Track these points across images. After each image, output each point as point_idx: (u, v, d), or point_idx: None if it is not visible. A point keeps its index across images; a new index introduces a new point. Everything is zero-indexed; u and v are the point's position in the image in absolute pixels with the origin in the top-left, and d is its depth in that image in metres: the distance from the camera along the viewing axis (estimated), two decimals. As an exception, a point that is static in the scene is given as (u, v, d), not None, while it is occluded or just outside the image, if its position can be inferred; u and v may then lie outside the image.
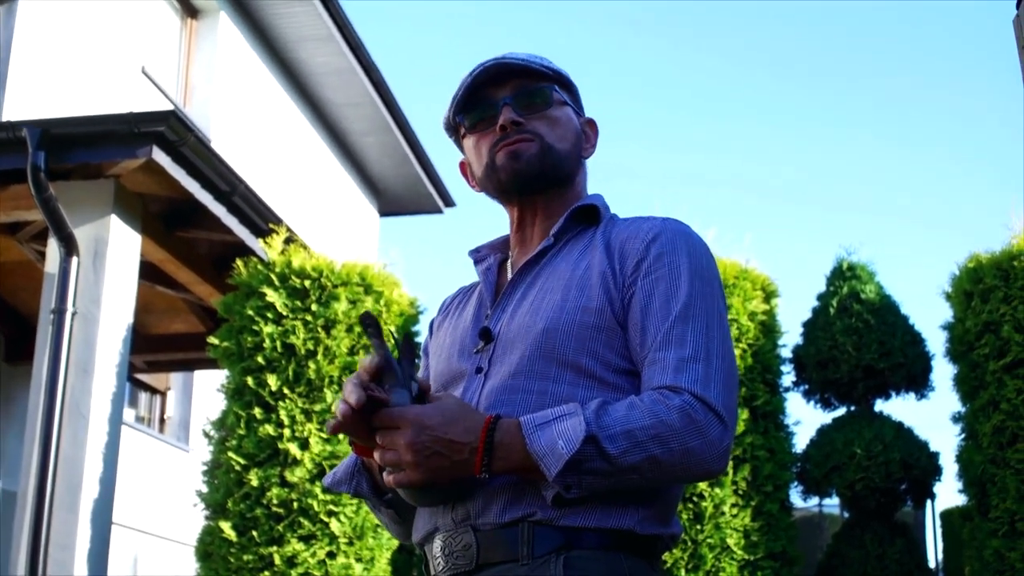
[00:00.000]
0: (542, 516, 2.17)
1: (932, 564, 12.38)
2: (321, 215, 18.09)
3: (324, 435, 8.77)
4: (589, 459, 2.09)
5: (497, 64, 2.51)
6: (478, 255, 2.68)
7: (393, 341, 2.25)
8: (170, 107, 13.75)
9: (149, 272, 10.34)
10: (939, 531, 15.05)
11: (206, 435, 9.22)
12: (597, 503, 2.18)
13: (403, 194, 21.24)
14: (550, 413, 2.15)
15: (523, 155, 2.47)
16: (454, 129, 2.65)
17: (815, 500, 11.94)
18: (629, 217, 2.54)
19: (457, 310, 2.69)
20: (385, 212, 21.73)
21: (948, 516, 14.85)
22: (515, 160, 2.48)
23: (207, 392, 15.35)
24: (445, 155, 25.05)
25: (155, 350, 12.46)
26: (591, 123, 2.68)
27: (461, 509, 2.26)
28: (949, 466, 15.95)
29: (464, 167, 2.68)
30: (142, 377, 14.25)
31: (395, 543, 8.97)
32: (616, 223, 2.51)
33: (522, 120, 2.49)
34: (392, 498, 2.45)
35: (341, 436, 8.68)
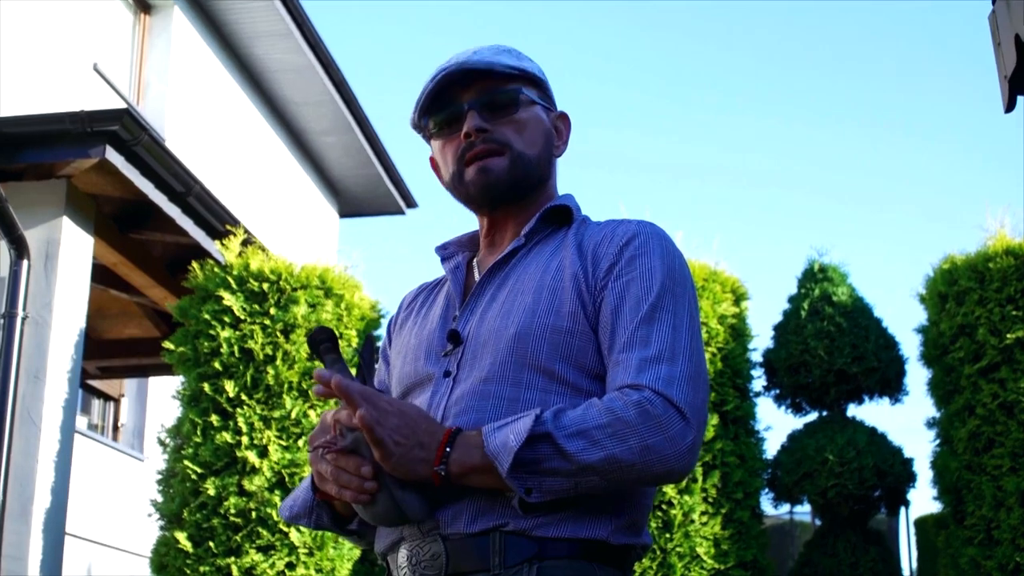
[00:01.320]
0: (514, 527, 2.18)
1: (906, 573, 12.47)
2: (279, 216, 18.07)
3: (283, 443, 8.78)
4: (546, 459, 2.11)
5: (460, 68, 2.47)
6: (445, 252, 2.67)
7: (356, 357, 2.27)
8: (123, 105, 13.72)
9: (102, 275, 10.34)
10: (913, 539, 15.16)
11: (161, 443, 9.21)
12: (569, 513, 2.19)
13: (364, 195, 21.22)
14: (508, 418, 2.17)
15: (493, 170, 2.46)
16: (421, 128, 2.63)
17: (786, 507, 12.00)
18: (603, 220, 2.53)
19: (422, 309, 2.67)
20: (345, 213, 21.70)
21: (922, 524, 14.94)
22: (485, 175, 2.47)
23: (162, 399, 15.31)
24: (407, 155, 25.09)
25: (108, 355, 12.43)
26: (563, 117, 2.65)
27: (428, 521, 2.25)
28: (924, 472, 16.09)
29: (434, 163, 2.65)
30: (95, 383, 14.20)
31: (357, 552, 8.99)
32: (588, 225, 2.51)
33: (488, 127, 2.47)
34: (356, 528, 2.45)
35: (301, 443, 8.72)
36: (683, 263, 2.41)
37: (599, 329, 2.32)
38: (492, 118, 2.48)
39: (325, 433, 2.29)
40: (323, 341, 2.23)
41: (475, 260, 2.62)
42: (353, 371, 2.25)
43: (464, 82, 2.49)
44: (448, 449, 2.16)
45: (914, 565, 14.79)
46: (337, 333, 9.04)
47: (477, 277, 2.55)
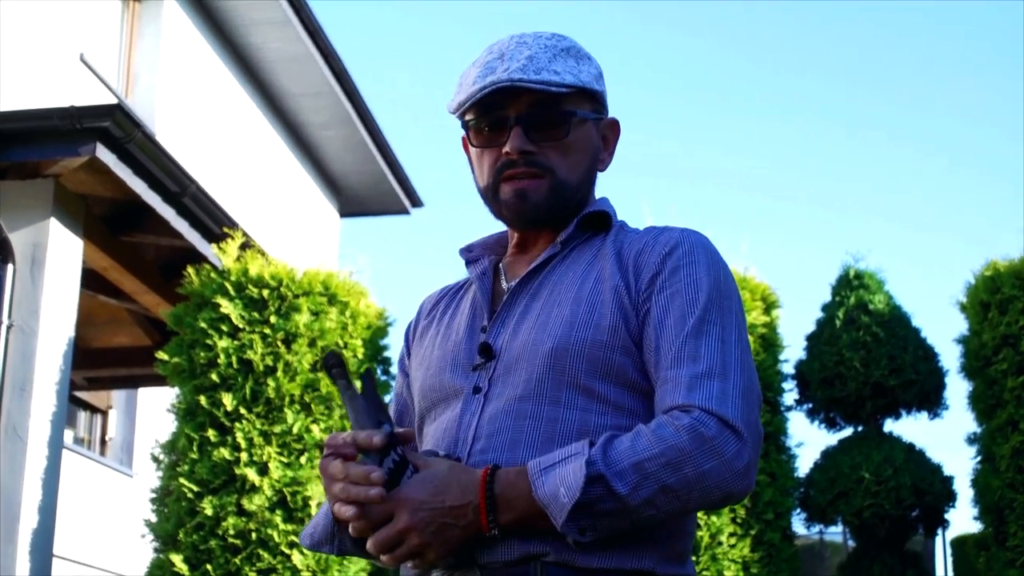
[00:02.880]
0: (555, 557, 2.18)
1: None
2: (276, 216, 18.08)
3: (285, 459, 8.80)
4: (599, 500, 2.10)
5: (512, 84, 2.38)
6: (470, 255, 2.64)
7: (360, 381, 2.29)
8: (112, 99, 13.75)
9: (91, 280, 10.36)
10: (950, 560, 15.17)
11: (155, 459, 9.23)
12: (614, 542, 2.19)
13: (366, 193, 21.21)
14: (557, 455, 2.16)
15: (530, 196, 2.43)
16: (459, 117, 2.55)
17: (817, 527, 12.01)
18: (642, 228, 2.51)
19: (444, 316, 2.64)
20: (346, 212, 21.70)
21: (960, 543, 14.94)
22: (522, 201, 2.44)
23: (152, 411, 15.34)
24: (412, 150, 25.04)
25: (96, 365, 12.46)
26: (612, 125, 2.60)
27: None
28: (963, 491, 16.08)
29: (466, 145, 2.59)
30: (82, 395, 14.23)
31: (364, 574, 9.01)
32: (627, 232, 2.49)
33: (533, 149, 2.42)
34: None
35: (303, 460, 8.74)
36: (728, 273, 2.40)
37: (644, 343, 2.31)
38: (539, 138, 2.43)
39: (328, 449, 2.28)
40: (333, 366, 2.22)
41: (502, 264, 2.60)
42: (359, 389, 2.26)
43: (514, 90, 2.42)
44: (491, 516, 2.16)
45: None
46: (342, 343, 9.10)
47: (505, 284, 2.53)
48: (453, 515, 2.15)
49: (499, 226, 2.63)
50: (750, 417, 2.19)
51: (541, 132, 2.44)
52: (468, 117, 2.50)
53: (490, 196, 2.50)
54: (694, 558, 8.97)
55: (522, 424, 2.29)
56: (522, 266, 2.53)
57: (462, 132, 2.58)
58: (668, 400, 2.22)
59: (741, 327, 2.35)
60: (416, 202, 21.70)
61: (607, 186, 2.63)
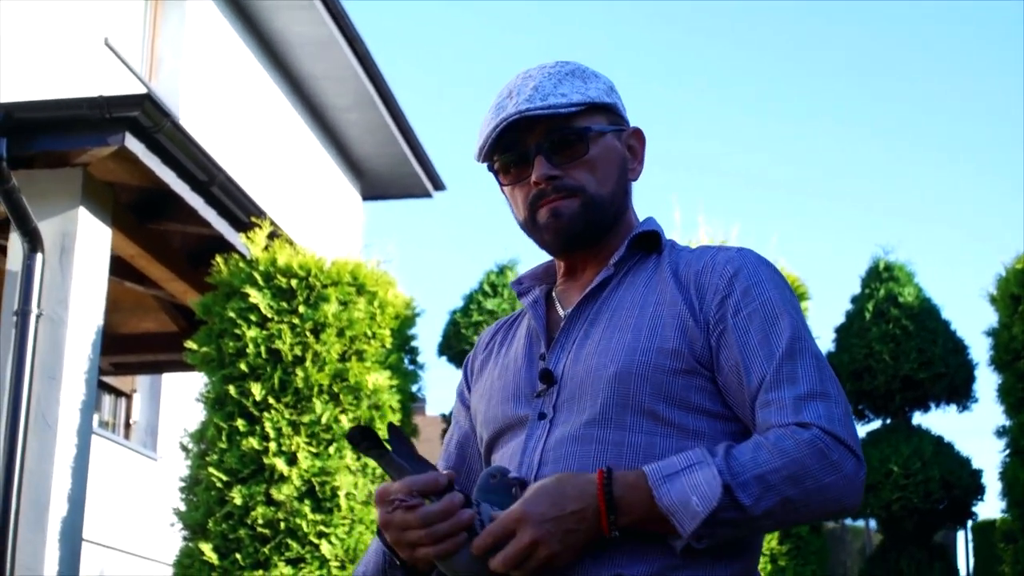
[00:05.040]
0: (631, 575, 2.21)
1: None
2: (299, 199, 18.09)
3: (313, 449, 8.82)
4: (723, 510, 2.13)
5: (521, 116, 2.43)
6: (521, 287, 2.66)
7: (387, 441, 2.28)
8: (136, 83, 13.77)
9: (118, 268, 10.37)
10: (971, 545, 15.16)
11: (184, 448, 9.26)
12: (690, 562, 2.20)
13: (388, 176, 21.21)
14: (677, 462, 2.18)
15: (565, 213, 2.45)
16: (487, 165, 2.59)
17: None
18: (695, 248, 2.53)
19: (501, 348, 2.66)
20: (368, 196, 21.71)
21: (981, 528, 14.93)
22: (557, 219, 2.45)
23: (177, 395, 15.39)
24: (435, 134, 25.02)
25: (122, 351, 12.48)
26: (636, 135, 2.61)
27: None
28: (992, 484, 16.04)
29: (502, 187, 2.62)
30: (106, 379, 14.27)
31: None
32: (679, 252, 2.51)
33: (558, 173, 2.44)
34: None
35: (331, 450, 8.76)
36: (790, 287, 2.44)
37: (721, 366, 2.33)
38: (562, 161, 2.45)
39: (387, 503, 2.27)
40: (360, 443, 2.22)
41: (554, 293, 2.61)
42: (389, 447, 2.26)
43: (528, 122, 2.46)
44: (612, 517, 2.17)
45: (970, 570, 14.80)
46: (370, 333, 9.11)
47: (560, 311, 2.54)
48: (575, 520, 2.16)
49: (544, 256, 2.65)
50: (856, 437, 2.25)
51: (562, 155, 2.46)
52: (493, 160, 2.54)
53: (530, 227, 2.52)
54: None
55: (588, 449, 2.30)
56: (575, 292, 2.54)
57: (494, 178, 2.60)
58: (775, 419, 2.25)
59: (817, 344, 2.39)
60: (439, 185, 21.70)
61: (637, 185, 2.62)
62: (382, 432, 2.67)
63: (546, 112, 2.42)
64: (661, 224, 2.61)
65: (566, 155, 2.46)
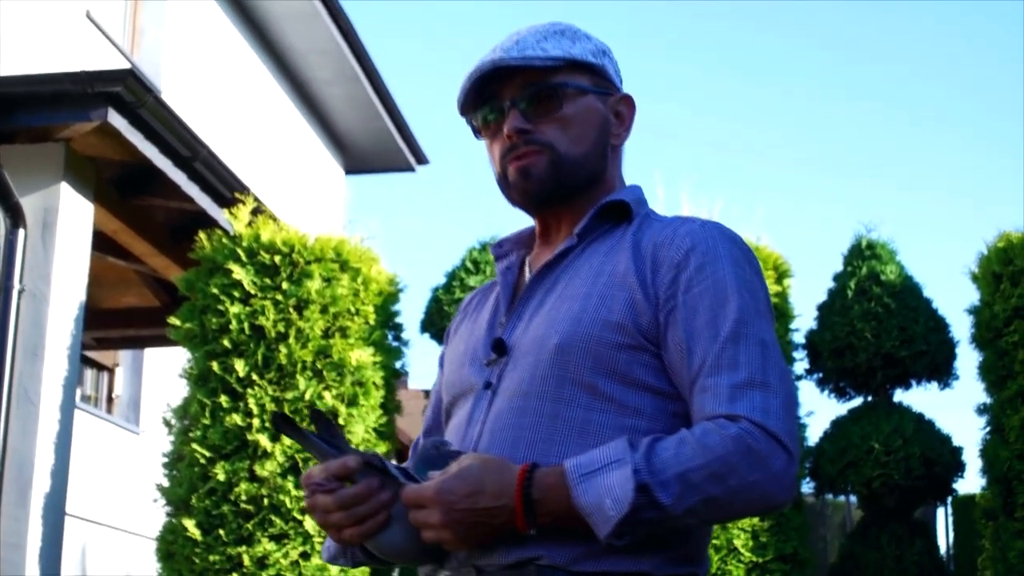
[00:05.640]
0: (549, 560, 2.17)
1: (942, 553, 12.51)
2: (281, 172, 18.05)
3: (296, 425, 8.81)
4: (642, 509, 2.07)
5: (494, 66, 2.41)
6: (500, 250, 2.63)
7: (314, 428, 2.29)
8: (119, 56, 13.72)
9: (101, 243, 10.34)
10: (951, 521, 15.24)
11: (167, 423, 9.25)
12: (613, 547, 2.14)
13: (371, 150, 21.17)
14: (597, 458, 2.12)
15: (533, 172, 2.41)
16: (469, 123, 2.56)
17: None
18: (666, 217, 2.46)
19: (475, 312, 2.64)
20: (351, 170, 21.67)
21: (961, 504, 14.99)
22: (525, 178, 2.42)
23: (159, 369, 15.36)
24: (418, 108, 24.98)
25: (104, 326, 12.46)
26: (626, 100, 2.56)
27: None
28: (972, 461, 16.07)
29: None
30: (88, 353, 14.24)
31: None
32: (650, 223, 2.43)
33: (529, 127, 2.41)
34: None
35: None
36: (754, 263, 2.36)
37: (668, 344, 2.26)
38: (535, 115, 2.42)
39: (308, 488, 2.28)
40: (281, 427, 2.23)
41: (528, 259, 2.58)
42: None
43: (506, 75, 2.43)
44: (530, 519, 2.14)
45: (950, 545, 14.87)
46: (354, 310, 9.12)
47: (528, 279, 2.51)
48: (486, 515, 2.13)
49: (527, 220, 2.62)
50: (792, 429, 2.16)
51: (536, 110, 2.43)
52: (470, 119, 2.53)
53: (501, 183, 2.50)
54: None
55: (523, 422, 2.27)
56: (544, 258, 2.49)
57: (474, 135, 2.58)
58: (709, 408, 2.18)
59: (771, 323, 2.31)
60: (421, 159, 21.67)
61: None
62: (369, 421, 2.69)
63: (520, 63, 2.40)
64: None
65: (540, 110, 2.43)
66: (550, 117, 2.43)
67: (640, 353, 2.27)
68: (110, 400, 15.39)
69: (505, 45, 2.44)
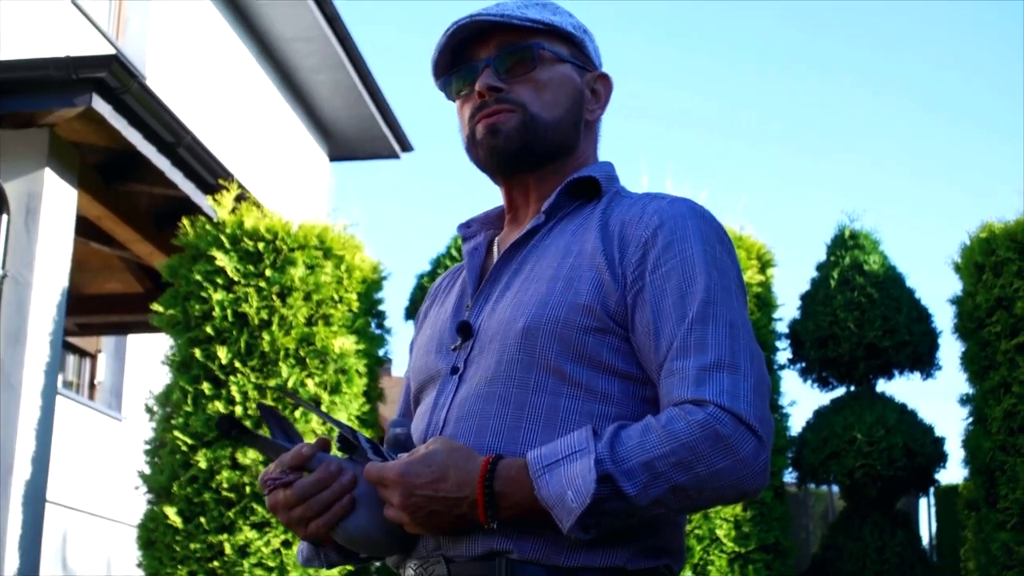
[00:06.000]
0: (519, 555, 2.14)
1: (925, 544, 12.54)
2: (266, 159, 18.02)
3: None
4: (607, 500, 2.03)
5: (472, 21, 2.39)
6: (467, 231, 2.57)
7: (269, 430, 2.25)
8: (104, 42, 13.69)
9: (84, 229, 10.33)
10: (933, 511, 15.26)
11: (148, 410, 9.24)
12: (584, 540, 2.11)
13: (356, 137, 21.15)
14: (559, 448, 2.08)
15: (501, 129, 2.37)
16: (444, 89, 2.54)
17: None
18: (635, 194, 2.41)
19: (443, 296, 2.60)
20: (336, 156, 21.65)
21: (944, 494, 15.03)
22: (493, 136, 2.38)
23: (141, 355, 15.35)
24: (403, 95, 24.93)
25: (87, 311, 12.44)
26: (603, 78, 2.54)
27: (431, 540, 2.21)
28: (954, 451, 16.13)
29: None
30: (70, 339, 14.22)
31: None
32: (620, 200, 2.39)
33: (502, 86, 2.39)
34: (367, 554, 2.38)
35: (298, 414, 8.75)
36: (726, 241, 2.31)
37: (636, 325, 2.22)
38: (509, 76, 2.40)
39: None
40: (229, 432, 2.17)
41: (496, 239, 2.54)
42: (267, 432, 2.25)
43: (482, 37, 2.42)
44: (491, 512, 2.10)
45: (932, 535, 14.88)
46: (337, 297, 9.10)
47: (496, 259, 2.46)
48: (446, 504, 2.09)
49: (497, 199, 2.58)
50: (763, 413, 2.10)
51: (510, 70, 2.41)
52: (448, 81, 2.50)
53: (470, 144, 2.45)
54: (687, 518, 9.05)
55: (489, 408, 2.23)
56: (512, 238, 2.45)
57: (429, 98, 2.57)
58: (676, 393, 2.12)
59: (743, 303, 2.27)
60: (406, 146, 21.65)
61: (604, 151, 2.58)
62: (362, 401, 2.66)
63: (498, 20, 2.38)
64: (623, 176, 2.52)
65: (514, 70, 2.40)
66: (524, 78, 2.40)
67: (608, 336, 2.22)
68: (92, 386, 15.37)
69: (476, 11, 2.42)
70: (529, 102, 2.39)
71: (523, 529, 2.13)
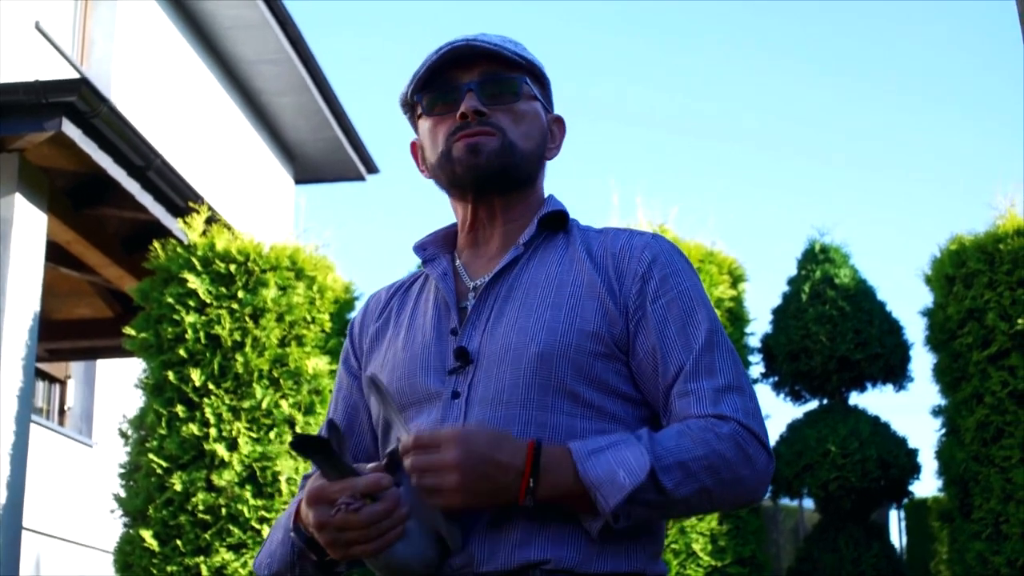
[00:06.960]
0: (556, 564, 2.20)
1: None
2: (231, 183, 17.98)
3: (254, 435, 8.80)
4: (644, 491, 2.15)
5: (468, 45, 2.46)
6: (425, 253, 2.61)
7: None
8: (68, 67, 13.66)
9: (54, 253, 10.30)
10: (903, 524, 15.34)
11: (123, 434, 9.21)
12: (611, 546, 2.24)
13: (321, 160, 21.14)
14: (602, 440, 2.20)
15: (483, 150, 2.44)
16: (411, 107, 2.61)
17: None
18: (602, 228, 2.55)
19: (401, 315, 2.60)
20: (301, 179, 21.61)
21: (914, 507, 15.08)
22: (474, 155, 2.44)
23: (111, 380, 15.28)
24: (368, 118, 24.90)
25: (57, 337, 12.38)
26: (559, 121, 2.66)
27: (462, 555, 2.23)
28: (928, 462, 16.18)
29: (415, 148, 2.64)
30: (40, 365, 14.14)
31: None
32: (586, 231, 2.53)
33: (485, 111, 2.45)
34: (344, 570, 2.39)
35: (272, 435, 8.74)
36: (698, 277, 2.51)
37: (637, 350, 2.36)
38: (491, 103, 2.47)
39: (326, 504, 2.20)
40: (305, 449, 2.16)
41: (459, 262, 2.57)
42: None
43: (467, 62, 2.49)
44: (532, 484, 2.16)
45: (903, 546, 14.96)
46: (310, 318, 9.10)
47: (469, 283, 2.51)
48: (498, 469, 2.15)
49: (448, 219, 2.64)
50: (766, 431, 2.32)
51: (493, 98, 2.48)
52: (420, 98, 2.55)
53: (443, 160, 2.49)
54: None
55: (510, 428, 2.28)
56: (481, 264, 2.53)
57: (410, 122, 2.64)
58: (695, 410, 2.28)
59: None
60: (372, 168, 21.66)
61: (575, 168, 2.65)
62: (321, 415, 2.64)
63: (491, 49, 2.47)
64: (597, 204, 2.66)
65: (497, 98, 2.49)
66: (505, 107, 2.49)
67: (613, 362, 2.35)
68: (62, 412, 15.29)
69: (469, 36, 2.49)
70: (508, 129, 2.47)
71: (555, 540, 2.22)
